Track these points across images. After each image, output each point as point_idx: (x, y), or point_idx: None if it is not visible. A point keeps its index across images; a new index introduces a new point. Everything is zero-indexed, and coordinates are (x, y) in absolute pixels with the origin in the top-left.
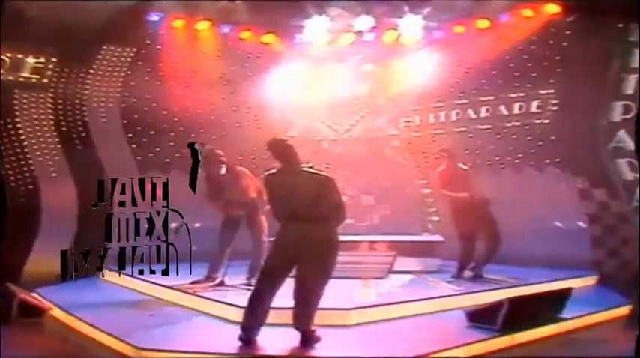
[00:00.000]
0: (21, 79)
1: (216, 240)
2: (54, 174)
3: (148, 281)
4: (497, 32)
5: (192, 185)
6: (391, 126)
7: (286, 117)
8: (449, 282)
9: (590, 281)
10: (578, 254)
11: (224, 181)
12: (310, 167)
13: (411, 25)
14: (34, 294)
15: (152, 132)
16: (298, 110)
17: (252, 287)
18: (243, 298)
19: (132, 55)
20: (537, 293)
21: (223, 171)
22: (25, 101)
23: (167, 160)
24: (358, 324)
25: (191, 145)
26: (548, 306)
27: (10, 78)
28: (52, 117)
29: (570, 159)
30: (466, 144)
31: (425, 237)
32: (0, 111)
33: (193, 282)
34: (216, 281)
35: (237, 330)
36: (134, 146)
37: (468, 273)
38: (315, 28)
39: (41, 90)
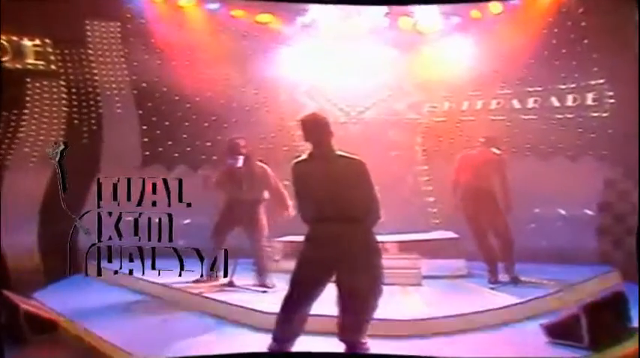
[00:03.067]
0: (29, 66)
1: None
2: (31, 164)
3: (149, 281)
4: (514, 16)
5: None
6: (411, 110)
7: (296, 99)
8: (492, 288)
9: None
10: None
11: (238, 174)
12: None
13: (426, 10)
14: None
15: (167, 124)
16: (308, 91)
17: (266, 290)
18: (258, 299)
19: (119, 29)
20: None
21: (240, 163)
22: (38, 90)
23: (176, 155)
24: (420, 336)
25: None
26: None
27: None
28: (65, 108)
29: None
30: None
31: (440, 234)
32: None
33: (196, 281)
34: (224, 281)
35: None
36: (146, 140)
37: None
38: (322, 11)
39: (53, 78)
